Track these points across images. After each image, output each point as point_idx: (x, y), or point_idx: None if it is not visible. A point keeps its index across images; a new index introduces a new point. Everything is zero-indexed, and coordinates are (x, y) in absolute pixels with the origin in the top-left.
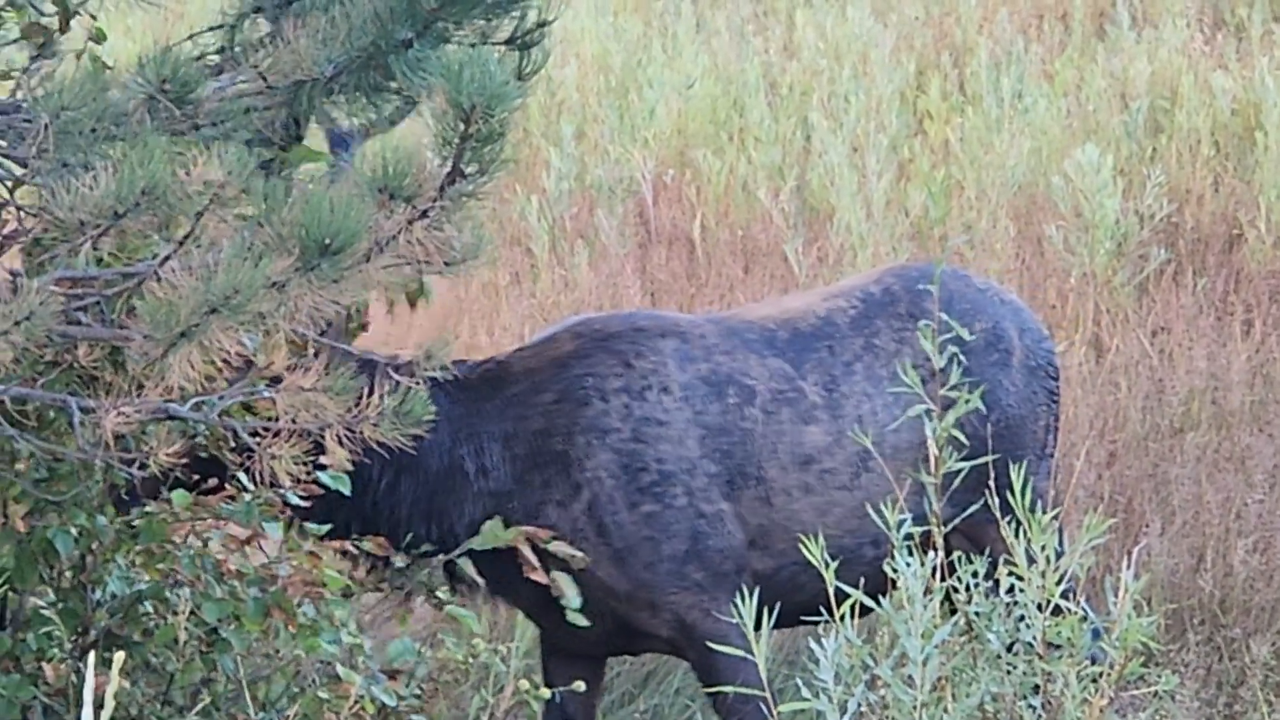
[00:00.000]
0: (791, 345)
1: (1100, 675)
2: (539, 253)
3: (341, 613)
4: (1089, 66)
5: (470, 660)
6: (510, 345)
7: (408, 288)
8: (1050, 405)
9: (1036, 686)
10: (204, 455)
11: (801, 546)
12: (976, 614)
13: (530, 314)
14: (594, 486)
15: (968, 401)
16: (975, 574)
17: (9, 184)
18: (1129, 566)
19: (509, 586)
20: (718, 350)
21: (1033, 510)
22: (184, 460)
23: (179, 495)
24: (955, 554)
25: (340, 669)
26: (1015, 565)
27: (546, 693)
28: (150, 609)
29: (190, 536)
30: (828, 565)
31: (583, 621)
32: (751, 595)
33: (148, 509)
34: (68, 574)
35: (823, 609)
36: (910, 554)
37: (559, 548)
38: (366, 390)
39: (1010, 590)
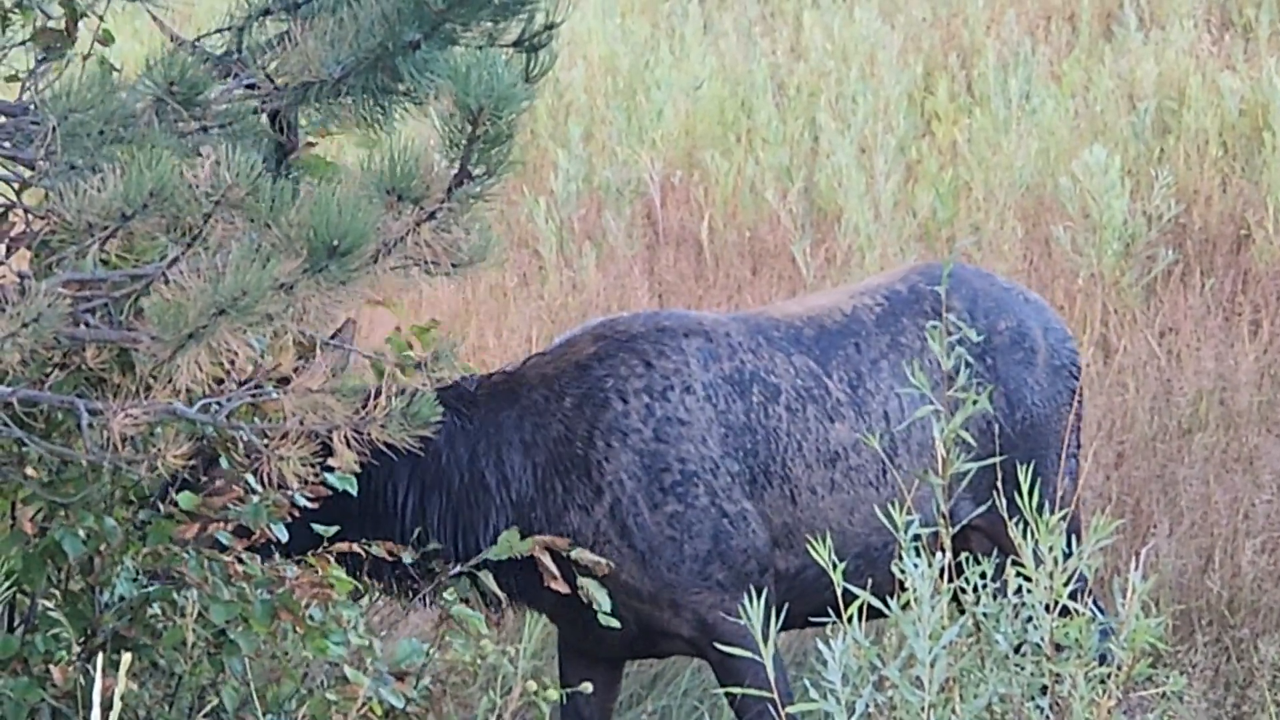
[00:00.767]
0: (818, 343)
1: (1108, 676)
2: (547, 254)
3: (350, 614)
4: (1096, 67)
5: (478, 661)
6: (518, 347)
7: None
8: (1073, 404)
9: (1044, 687)
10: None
11: (812, 547)
12: (984, 615)
13: (538, 316)
14: (615, 489)
15: (975, 403)
16: (983, 575)
17: (16, 186)
18: (1137, 567)
19: (532, 592)
20: (743, 349)
21: (1052, 510)
22: None
23: (185, 497)
24: (976, 553)
25: (348, 670)
26: (1024, 566)
27: (555, 694)
28: (158, 611)
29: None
30: (837, 566)
31: (615, 624)
32: (766, 596)
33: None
34: (76, 576)
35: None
36: (919, 554)
37: (581, 554)
38: (374, 392)
39: (1018, 591)
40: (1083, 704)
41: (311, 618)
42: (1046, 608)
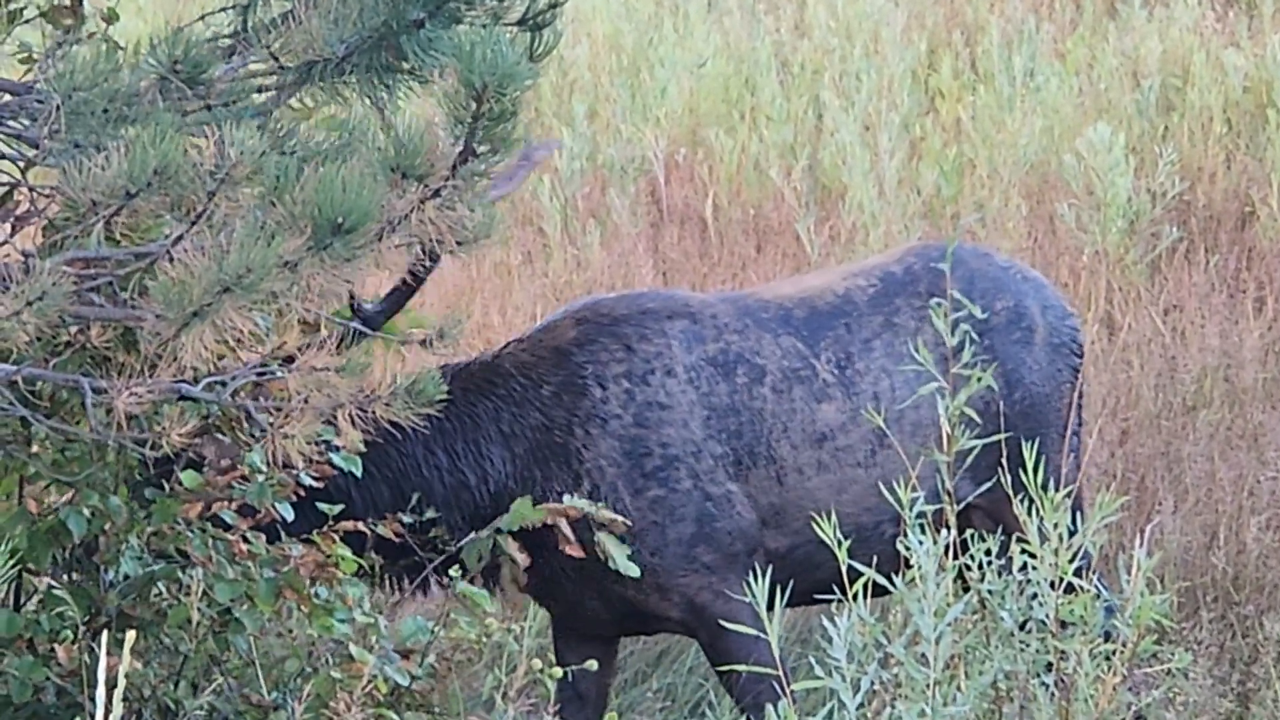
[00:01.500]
0: (807, 324)
1: (1113, 653)
2: (551, 232)
3: (354, 592)
4: (1100, 45)
5: (483, 639)
6: (523, 325)
7: None
8: (1074, 382)
9: (1049, 664)
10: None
11: (816, 526)
12: (990, 592)
13: (542, 293)
14: (595, 476)
15: (979, 380)
16: (988, 551)
17: (21, 165)
18: (1142, 544)
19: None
20: (729, 330)
21: (1048, 488)
22: None
23: (189, 476)
24: (974, 531)
25: (353, 649)
26: (1029, 543)
27: (559, 672)
28: (163, 590)
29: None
30: (841, 544)
31: (634, 571)
32: (764, 574)
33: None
34: (80, 555)
35: (839, 587)
36: (923, 531)
37: (603, 514)
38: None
39: (1023, 568)
40: (1088, 680)
41: (316, 596)
42: (1051, 585)
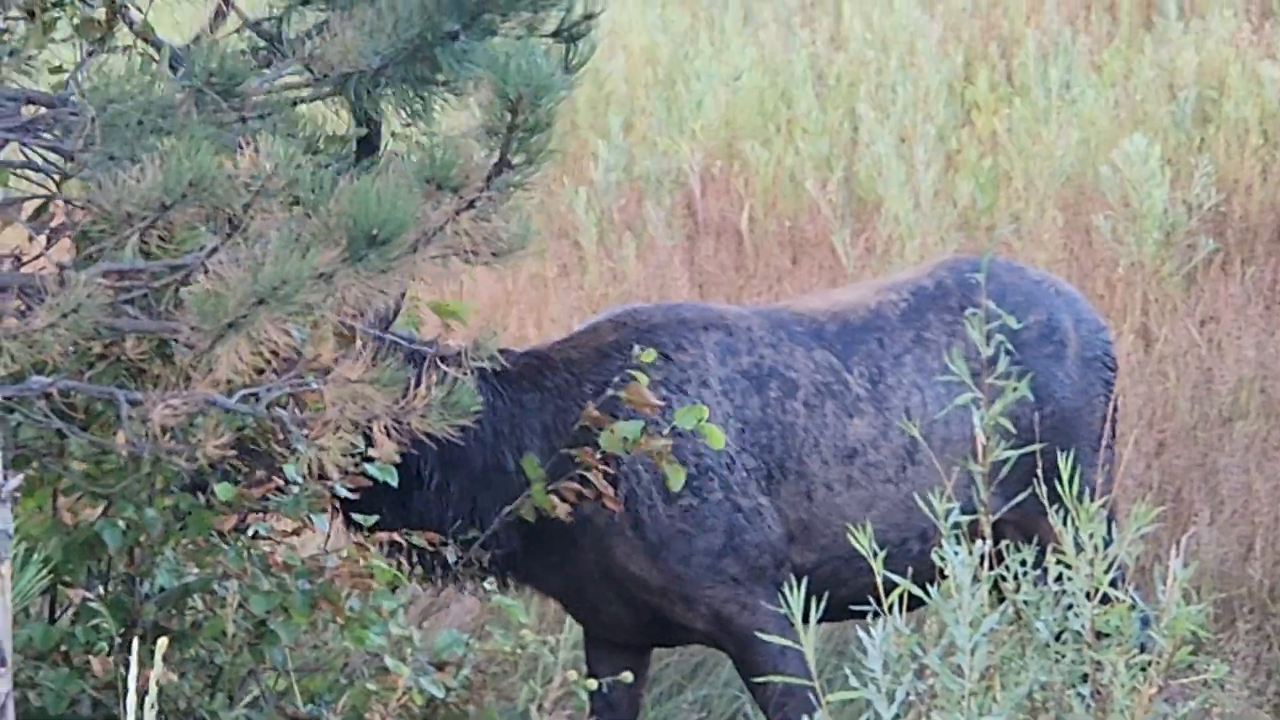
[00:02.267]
0: (840, 338)
1: (1149, 664)
2: (587, 244)
3: (389, 604)
4: (1136, 57)
5: (518, 651)
6: (558, 337)
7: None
8: (1108, 396)
9: (1085, 675)
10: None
11: (850, 538)
12: (1025, 603)
13: (578, 306)
14: (630, 480)
15: (1015, 390)
16: (1024, 562)
17: (56, 177)
18: (1178, 555)
19: (539, 574)
20: (762, 343)
21: (1082, 500)
22: None
23: (223, 488)
24: (1014, 542)
25: (388, 660)
26: (1064, 554)
27: (594, 684)
28: (198, 602)
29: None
30: (875, 555)
31: (691, 499)
32: (796, 588)
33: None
34: (116, 567)
35: (868, 601)
36: (958, 542)
37: (651, 444)
38: (414, 381)
39: (1059, 579)
40: (1124, 692)
41: (351, 608)
42: (1087, 595)
